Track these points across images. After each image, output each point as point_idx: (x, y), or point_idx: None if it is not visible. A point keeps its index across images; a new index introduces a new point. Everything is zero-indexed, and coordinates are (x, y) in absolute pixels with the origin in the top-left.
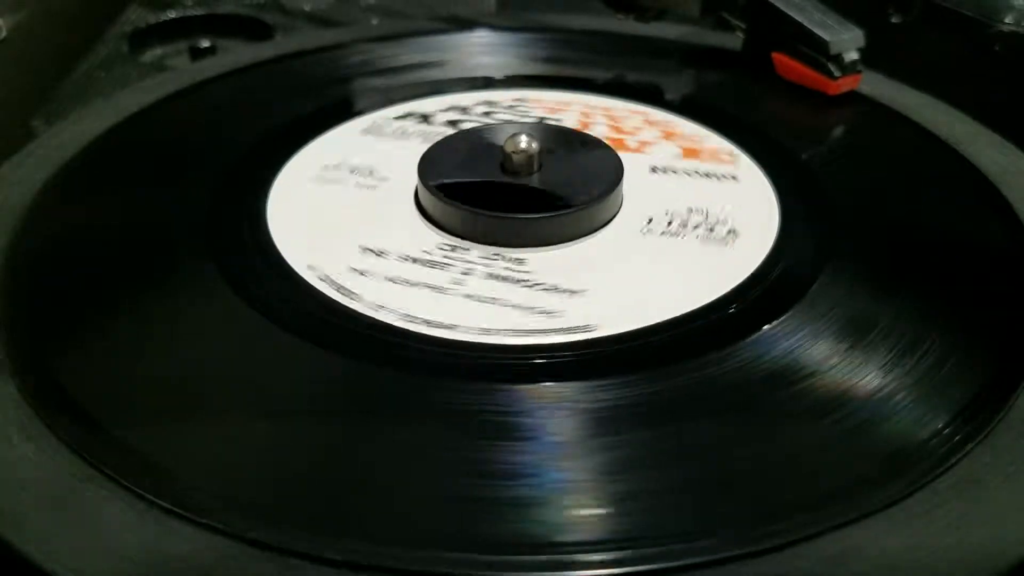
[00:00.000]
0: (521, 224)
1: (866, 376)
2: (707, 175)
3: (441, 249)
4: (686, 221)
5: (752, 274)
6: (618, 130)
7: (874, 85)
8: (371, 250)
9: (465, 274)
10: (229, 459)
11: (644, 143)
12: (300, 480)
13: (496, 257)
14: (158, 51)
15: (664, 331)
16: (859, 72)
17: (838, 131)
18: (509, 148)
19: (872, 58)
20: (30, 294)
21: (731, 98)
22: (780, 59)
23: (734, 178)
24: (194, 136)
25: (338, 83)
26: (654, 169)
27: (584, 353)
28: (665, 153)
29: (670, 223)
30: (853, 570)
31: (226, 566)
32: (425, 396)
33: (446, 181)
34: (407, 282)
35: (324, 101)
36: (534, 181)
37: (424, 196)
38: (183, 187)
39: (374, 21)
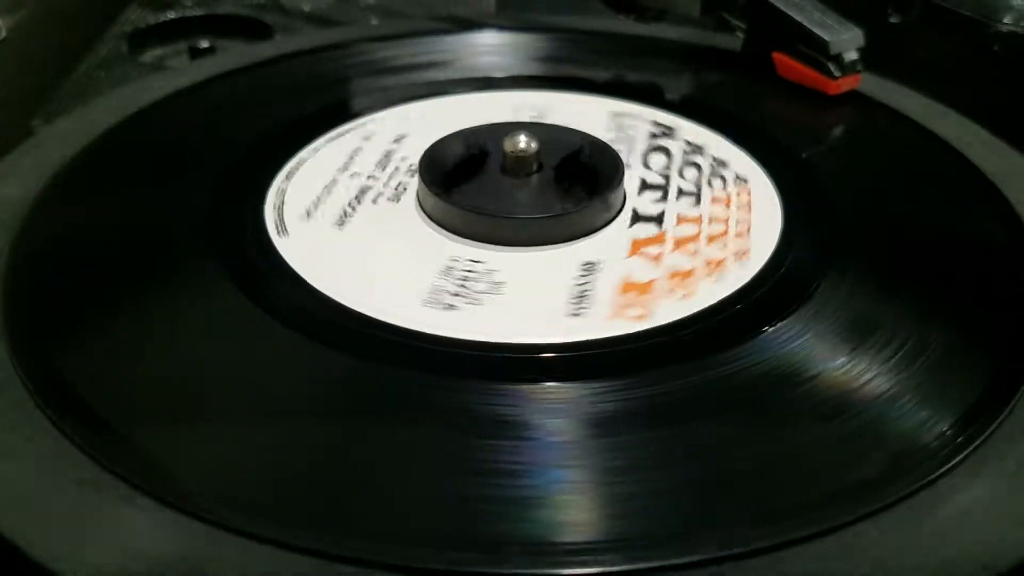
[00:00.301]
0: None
1: (868, 377)
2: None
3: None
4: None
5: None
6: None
7: (874, 85)
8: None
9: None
10: (234, 458)
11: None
12: (304, 479)
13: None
14: (158, 51)
15: (667, 333)
16: (859, 72)
17: (838, 131)
18: (509, 148)
19: (872, 58)
20: (33, 293)
21: (731, 98)
22: (780, 59)
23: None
24: (195, 135)
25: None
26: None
27: (585, 355)
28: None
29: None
30: (854, 570)
31: (230, 565)
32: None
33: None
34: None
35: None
36: (540, 178)
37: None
38: (185, 185)
39: (374, 21)
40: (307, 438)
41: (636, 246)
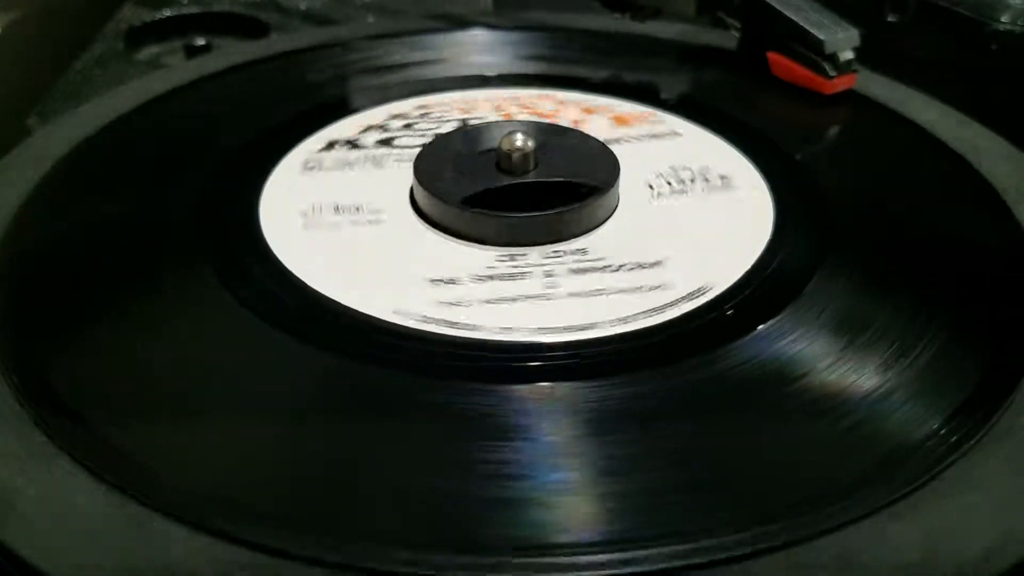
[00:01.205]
0: (570, 216)
1: (862, 376)
2: (652, 136)
3: (502, 261)
4: (680, 178)
5: (746, 273)
6: (539, 114)
7: (870, 84)
8: (440, 280)
9: (549, 276)
10: (225, 460)
11: (576, 121)
12: (295, 481)
13: (559, 253)
14: (154, 49)
15: (658, 332)
16: (854, 71)
17: (833, 130)
18: (506, 147)
19: (868, 57)
20: (22, 293)
21: (726, 97)
22: (775, 58)
23: (675, 133)
24: (191, 134)
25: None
26: (606, 142)
27: (580, 354)
28: (600, 126)
29: (669, 183)
30: (851, 570)
31: (215, 568)
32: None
33: (467, 195)
34: (505, 299)
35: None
36: (539, 175)
37: (456, 215)
38: (180, 184)
39: (370, 19)
40: (300, 440)
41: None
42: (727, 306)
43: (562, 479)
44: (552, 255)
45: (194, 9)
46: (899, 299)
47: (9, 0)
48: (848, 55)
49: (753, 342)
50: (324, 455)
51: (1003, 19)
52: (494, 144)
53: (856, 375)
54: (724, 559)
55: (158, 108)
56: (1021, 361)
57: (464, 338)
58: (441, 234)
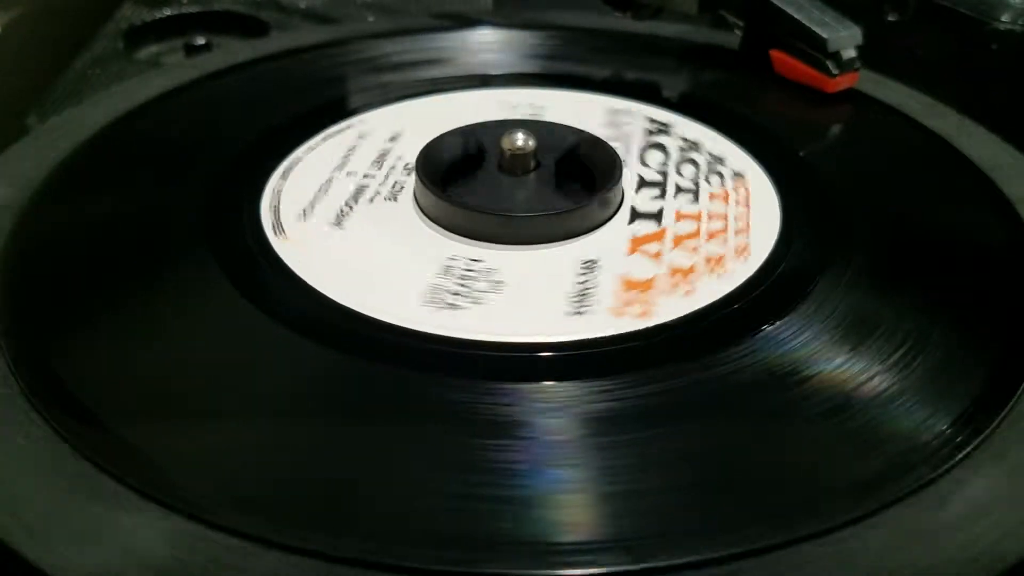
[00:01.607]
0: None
1: (867, 376)
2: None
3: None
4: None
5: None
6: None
7: (872, 83)
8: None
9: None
10: (231, 458)
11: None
12: (302, 479)
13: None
14: (154, 48)
15: (664, 332)
16: (857, 70)
17: (837, 129)
18: (506, 146)
19: (869, 56)
20: (27, 291)
21: (728, 96)
22: (778, 57)
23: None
24: (191, 133)
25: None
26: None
27: (586, 353)
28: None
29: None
30: (853, 571)
31: (225, 565)
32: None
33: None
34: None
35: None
36: (539, 175)
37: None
38: (180, 184)
39: (370, 18)
40: (305, 438)
41: (636, 244)
42: (735, 304)
43: (563, 479)
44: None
45: (194, 8)
46: (905, 299)
47: (9, 0)
48: (851, 53)
49: (759, 343)
50: (304, 451)
51: (1003, 18)
52: (496, 143)
53: (862, 376)
54: (724, 558)
55: (158, 107)
56: None
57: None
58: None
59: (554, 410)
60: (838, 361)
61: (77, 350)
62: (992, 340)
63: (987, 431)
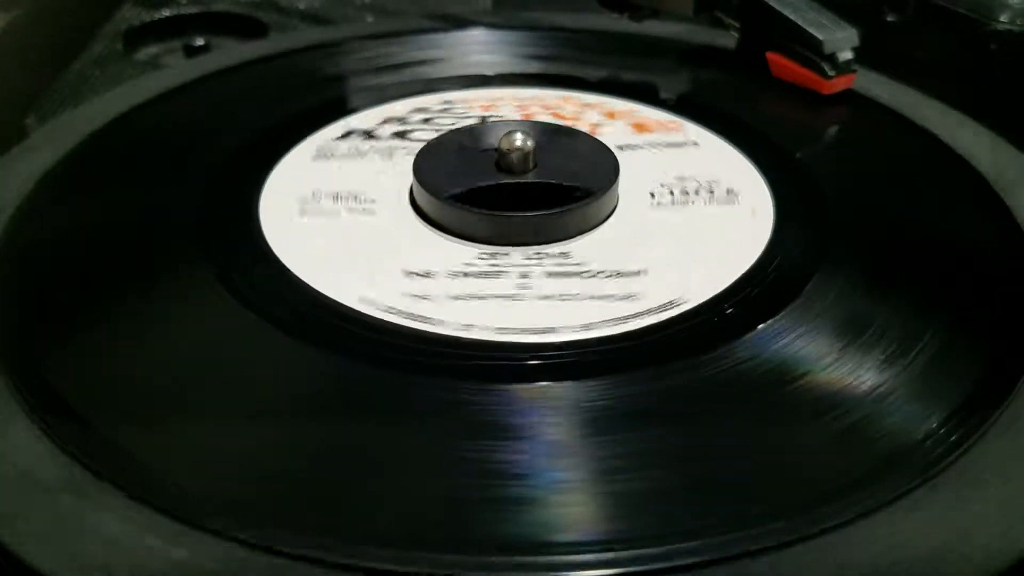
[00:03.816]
0: (557, 218)
1: (862, 375)
2: (668, 144)
3: (483, 259)
4: (685, 188)
5: (746, 272)
6: (561, 116)
7: (869, 84)
8: (416, 273)
9: (524, 277)
10: (225, 461)
11: (595, 125)
12: (295, 481)
13: (540, 256)
14: (153, 49)
15: (657, 331)
16: (853, 71)
17: (832, 130)
18: (505, 146)
19: (867, 57)
20: (21, 293)
21: (724, 97)
22: (774, 59)
23: (695, 144)
24: (190, 134)
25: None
26: (620, 147)
27: (580, 353)
28: (618, 131)
29: (672, 192)
30: (850, 570)
31: (217, 569)
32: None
33: (458, 191)
34: (474, 296)
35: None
36: (537, 176)
37: (443, 210)
38: (180, 184)
39: (369, 19)
40: (300, 440)
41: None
42: (727, 304)
43: (563, 478)
44: (533, 257)
45: (193, 9)
46: (898, 298)
47: (8, 1)
48: (847, 55)
49: (752, 342)
50: (304, 453)
51: (1002, 19)
52: (497, 143)
53: (855, 375)
54: (723, 559)
55: (159, 106)
56: (1020, 360)
57: (420, 331)
58: (430, 228)
59: (548, 410)
60: (832, 360)
61: (69, 353)
62: (986, 339)
63: (981, 430)
